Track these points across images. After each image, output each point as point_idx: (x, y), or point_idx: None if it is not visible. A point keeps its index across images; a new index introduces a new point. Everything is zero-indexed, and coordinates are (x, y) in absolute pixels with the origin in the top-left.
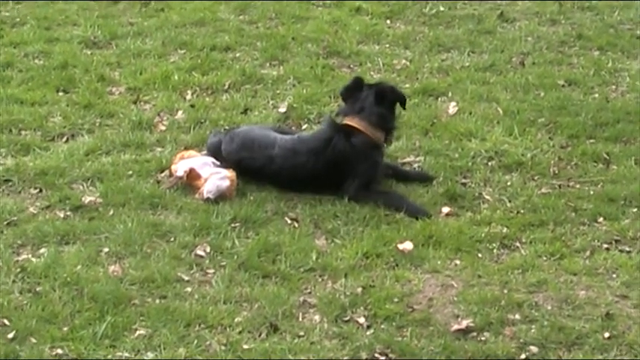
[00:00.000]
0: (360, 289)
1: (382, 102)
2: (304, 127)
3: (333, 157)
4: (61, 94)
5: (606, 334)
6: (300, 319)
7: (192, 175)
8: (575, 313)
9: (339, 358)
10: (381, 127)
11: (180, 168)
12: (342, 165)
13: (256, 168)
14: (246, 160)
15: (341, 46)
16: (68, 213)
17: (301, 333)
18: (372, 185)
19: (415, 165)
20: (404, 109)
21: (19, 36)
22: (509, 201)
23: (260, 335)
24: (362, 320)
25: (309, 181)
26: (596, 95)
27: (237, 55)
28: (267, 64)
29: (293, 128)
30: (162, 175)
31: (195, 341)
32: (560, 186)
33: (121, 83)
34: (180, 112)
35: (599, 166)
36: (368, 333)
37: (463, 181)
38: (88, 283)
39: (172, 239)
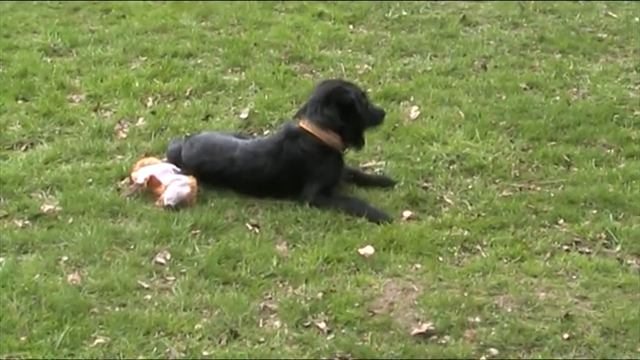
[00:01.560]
0: (320, 294)
1: (328, 103)
2: (266, 132)
3: (287, 161)
4: (20, 102)
5: (565, 335)
6: (261, 325)
7: (152, 182)
8: (535, 315)
9: None
10: (331, 129)
11: (140, 175)
12: (298, 168)
13: (217, 171)
14: (207, 163)
15: (303, 51)
16: (27, 222)
17: (262, 339)
18: (332, 190)
19: (377, 169)
20: (350, 114)
21: None
22: (471, 204)
23: (220, 342)
24: (322, 325)
25: (268, 185)
26: (558, 98)
27: (199, 61)
28: (229, 71)
29: (254, 134)
30: (123, 182)
31: (155, 349)
32: (521, 188)
33: (82, 91)
34: (141, 120)
35: (559, 168)
36: (328, 338)
37: (424, 184)
38: (47, 292)
39: (132, 247)
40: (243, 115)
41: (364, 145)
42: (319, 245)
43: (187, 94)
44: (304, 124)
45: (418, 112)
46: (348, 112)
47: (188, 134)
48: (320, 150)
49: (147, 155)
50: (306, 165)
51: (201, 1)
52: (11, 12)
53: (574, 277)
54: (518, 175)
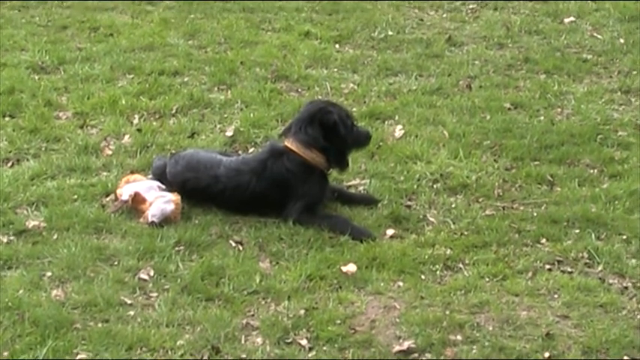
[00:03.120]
0: (303, 312)
1: (312, 122)
2: (251, 150)
3: (271, 179)
4: (7, 119)
5: (546, 354)
6: (243, 342)
7: (137, 199)
8: (517, 334)
9: None
10: (315, 149)
11: (125, 192)
12: (281, 186)
13: (201, 188)
14: (192, 180)
15: (289, 70)
16: (12, 237)
17: (243, 355)
18: (315, 208)
19: (360, 188)
20: (333, 134)
21: None
22: (454, 223)
23: (202, 358)
24: (304, 342)
25: (252, 202)
26: (542, 118)
27: (186, 79)
28: (215, 89)
29: (239, 152)
30: (108, 199)
31: None
32: (504, 208)
33: (68, 108)
34: (126, 137)
35: (543, 187)
36: (310, 355)
37: (408, 203)
38: (30, 308)
39: (116, 263)
40: (229, 133)
41: (348, 166)
42: (302, 263)
43: (173, 111)
44: (289, 143)
45: (402, 131)
46: (331, 132)
47: (173, 152)
48: (304, 169)
49: (132, 172)
50: (289, 183)
51: (188, 20)
52: (0, 30)
53: (556, 296)
54: (501, 194)
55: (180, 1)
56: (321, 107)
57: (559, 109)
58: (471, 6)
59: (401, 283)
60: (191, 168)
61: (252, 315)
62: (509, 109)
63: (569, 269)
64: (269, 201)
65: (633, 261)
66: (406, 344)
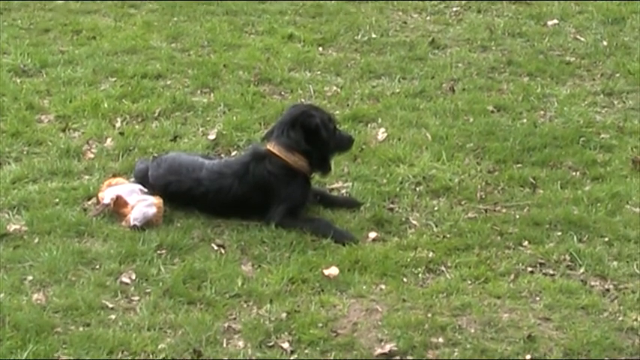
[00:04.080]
0: (284, 315)
1: (294, 126)
2: (233, 154)
3: (254, 182)
4: None
5: (528, 357)
6: (225, 345)
7: (119, 203)
8: (498, 336)
9: None
10: (298, 152)
11: (107, 195)
12: (264, 190)
13: (183, 191)
14: (174, 184)
15: (272, 73)
16: None
17: (225, 359)
18: (297, 211)
19: (343, 191)
20: (315, 138)
21: None
22: (436, 226)
23: None
24: (286, 345)
25: (234, 205)
26: (525, 120)
27: (168, 82)
28: (198, 92)
29: (221, 155)
30: (90, 202)
31: None
32: (486, 210)
33: (50, 111)
34: (109, 140)
35: (525, 190)
36: (292, 358)
37: (390, 206)
38: (11, 312)
39: (98, 267)
40: (212, 137)
41: (330, 170)
42: (284, 266)
43: (156, 114)
44: (271, 147)
45: (385, 134)
46: (313, 136)
47: (156, 155)
48: (286, 172)
49: (114, 175)
50: (272, 186)
51: (171, 23)
52: None
53: (537, 298)
54: (483, 196)
55: (164, 4)
56: (304, 111)
57: (542, 112)
58: (454, 9)
59: (383, 286)
60: (173, 171)
61: (234, 318)
62: (492, 111)
63: (551, 272)
64: (251, 204)
65: (615, 263)
66: (388, 347)
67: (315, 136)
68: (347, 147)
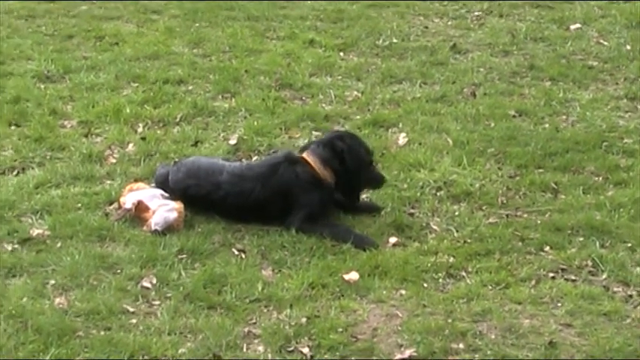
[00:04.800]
0: (304, 320)
1: (327, 145)
2: (254, 159)
3: (278, 185)
4: (12, 127)
5: None
6: (244, 350)
7: (140, 207)
8: (519, 342)
9: None
10: (329, 167)
11: (128, 200)
12: (286, 194)
13: (202, 195)
14: (193, 187)
15: (293, 78)
16: (16, 246)
17: None
18: (317, 218)
19: (364, 196)
20: (345, 162)
21: None
22: (457, 231)
23: None
24: (306, 350)
25: (254, 209)
26: (547, 125)
27: (190, 87)
28: (219, 97)
29: (243, 160)
30: (111, 207)
31: None
32: (507, 215)
33: (73, 117)
34: (130, 145)
35: (547, 195)
36: None
37: (411, 211)
38: (33, 316)
39: (119, 271)
40: (232, 142)
41: (357, 201)
42: (304, 271)
43: (177, 120)
44: (305, 155)
45: (406, 139)
46: (341, 159)
47: (176, 160)
48: (313, 180)
49: (136, 180)
50: (294, 191)
51: (193, 29)
52: (6, 39)
53: (559, 304)
54: (505, 202)
55: (186, 10)
56: (340, 135)
57: (564, 117)
58: (476, 13)
59: (403, 291)
60: (192, 175)
61: (254, 323)
62: (513, 116)
63: (573, 277)
64: (270, 210)
65: (638, 269)
66: (408, 353)
67: (343, 160)
68: (376, 184)
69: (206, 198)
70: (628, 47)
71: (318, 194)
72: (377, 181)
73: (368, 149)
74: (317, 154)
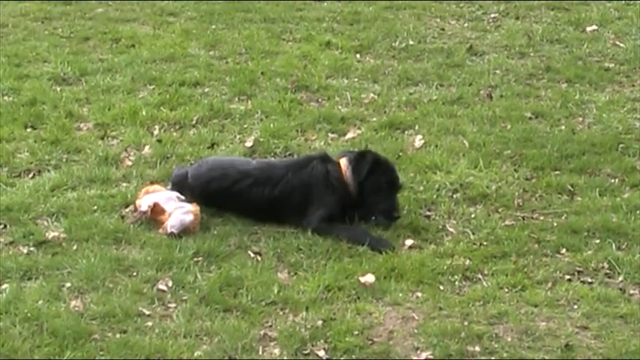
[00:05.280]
0: (320, 322)
1: (364, 157)
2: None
3: (307, 177)
4: (29, 130)
5: None
6: (260, 353)
7: (156, 210)
8: (535, 345)
9: None
10: (355, 174)
11: (144, 203)
12: (310, 189)
13: (226, 187)
14: (217, 179)
15: (309, 80)
16: (32, 248)
17: None
18: (334, 219)
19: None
20: (364, 178)
21: None
22: (473, 233)
23: None
24: (322, 353)
25: (277, 202)
26: (563, 127)
27: (206, 90)
28: (236, 99)
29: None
30: (127, 210)
31: None
32: (523, 218)
33: (89, 119)
34: (147, 147)
35: (563, 197)
36: None
37: (427, 213)
38: (49, 319)
39: (135, 274)
40: (249, 144)
41: (369, 220)
42: (320, 273)
43: (193, 122)
44: (340, 160)
45: (422, 141)
46: (366, 175)
47: (192, 162)
48: (339, 182)
49: (152, 183)
50: (318, 187)
51: (209, 31)
52: (23, 42)
53: (575, 306)
54: (521, 204)
55: (202, 12)
56: (376, 153)
57: (580, 119)
58: (492, 15)
59: (419, 294)
60: (216, 167)
61: (270, 326)
62: (530, 118)
63: (589, 280)
64: (293, 203)
65: None
66: (424, 355)
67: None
68: (386, 217)
69: (230, 189)
70: None
71: (340, 196)
72: (384, 212)
73: (395, 175)
74: (350, 160)
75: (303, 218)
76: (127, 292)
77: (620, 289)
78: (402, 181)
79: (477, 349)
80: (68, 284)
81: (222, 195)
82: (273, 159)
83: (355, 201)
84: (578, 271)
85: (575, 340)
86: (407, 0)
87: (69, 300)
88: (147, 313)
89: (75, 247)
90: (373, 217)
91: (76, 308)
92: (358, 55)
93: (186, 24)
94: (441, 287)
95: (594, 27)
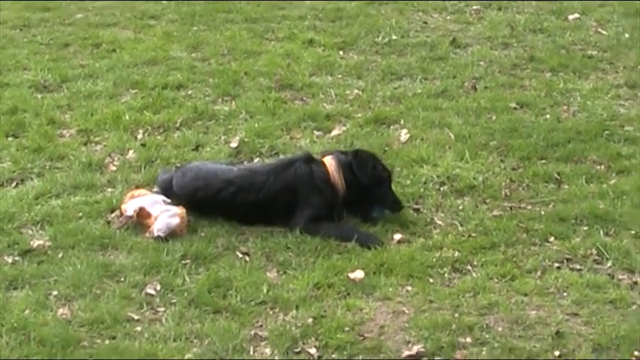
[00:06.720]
0: (311, 320)
1: (355, 157)
2: (256, 160)
3: (291, 179)
4: (10, 138)
5: (557, 353)
6: (251, 353)
7: (142, 214)
8: (526, 334)
9: None
10: (343, 174)
11: (130, 207)
12: (297, 190)
13: (212, 195)
14: (202, 189)
15: (293, 78)
16: (17, 258)
17: None
18: (321, 219)
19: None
20: (353, 175)
21: None
22: (461, 225)
23: None
24: (313, 351)
25: (263, 205)
26: (548, 116)
27: (189, 92)
28: (220, 100)
29: (245, 163)
30: (113, 215)
31: None
32: (511, 208)
33: (72, 125)
34: (131, 152)
35: (550, 186)
36: None
37: (415, 207)
38: (36, 327)
39: (122, 279)
40: (234, 144)
41: (371, 219)
42: (310, 271)
43: (177, 125)
44: (325, 159)
45: (408, 135)
46: (354, 171)
47: (178, 165)
48: (325, 182)
49: (137, 187)
50: (304, 188)
51: (191, 33)
52: (2, 50)
53: (565, 294)
54: (508, 194)
55: (183, 14)
56: (366, 150)
57: (565, 107)
58: (474, 7)
59: (409, 288)
60: (200, 177)
61: (261, 326)
62: (515, 108)
63: (578, 267)
64: (279, 206)
65: None
66: (415, 349)
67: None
68: (391, 207)
69: (215, 198)
70: (627, 35)
71: (326, 196)
72: (391, 204)
73: (385, 168)
74: (335, 158)
75: (290, 220)
76: (115, 297)
77: (609, 275)
78: (391, 169)
79: (469, 340)
80: (55, 292)
81: (209, 203)
82: (256, 163)
83: (344, 200)
84: (567, 259)
85: (566, 328)
86: None
87: (56, 308)
88: (136, 317)
89: (61, 255)
90: (375, 213)
91: (64, 316)
92: (341, 52)
93: (167, 26)
94: (431, 280)
95: (576, 15)
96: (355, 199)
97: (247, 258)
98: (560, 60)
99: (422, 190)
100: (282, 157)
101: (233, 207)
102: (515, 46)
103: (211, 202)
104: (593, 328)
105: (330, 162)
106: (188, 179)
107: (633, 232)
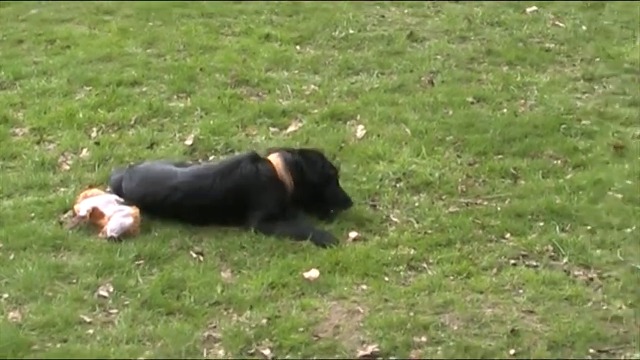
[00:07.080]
0: (265, 321)
1: (296, 151)
2: (211, 158)
3: (238, 179)
4: None
5: (512, 351)
6: (205, 355)
7: (95, 214)
8: (482, 332)
9: None
10: (291, 172)
11: (82, 207)
12: (245, 190)
13: (159, 201)
14: (150, 195)
15: (249, 74)
16: None
17: None
18: (275, 218)
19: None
20: (301, 175)
21: None
22: (417, 222)
23: None
24: (267, 352)
25: (213, 208)
26: (505, 110)
27: (144, 89)
28: (175, 97)
29: (199, 161)
30: (66, 215)
31: None
32: (467, 204)
33: (25, 124)
34: (84, 151)
35: (506, 181)
36: None
37: (371, 204)
38: None
39: (75, 281)
40: (189, 142)
41: (328, 216)
42: (264, 270)
43: (132, 122)
44: (270, 157)
45: (364, 131)
46: (301, 170)
47: (132, 163)
48: (272, 180)
49: (91, 187)
50: (254, 188)
51: (146, 28)
52: None
53: (521, 291)
54: (465, 190)
55: (138, 9)
56: (312, 148)
57: (522, 101)
58: (432, 0)
59: (364, 286)
60: (147, 182)
61: (214, 327)
62: (471, 103)
63: (534, 263)
64: (229, 207)
65: (598, 251)
66: (370, 349)
67: (302, 170)
68: (341, 205)
69: (164, 203)
70: (584, 28)
71: (277, 194)
72: (342, 202)
73: (332, 166)
74: (282, 156)
75: (243, 221)
76: (67, 300)
77: (565, 271)
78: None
79: (424, 339)
80: (5, 295)
81: (158, 208)
82: (203, 165)
83: (293, 198)
84: (523, 255)
85: (522, 325)
86: None
87: (7, 311)
88: (88, 320)
89: (12, 257)
90: (332, 210)
91: (15, 319)
92: (298, 47)
93: (122, 22)
94: (386, 278)
95: (534, 8)
96: (304, 198)
97: (201, 258)
98: (517, 53)
99: (378, 186)
100: (224, 157)
101: (183, 211)
102: (473, 39)
103: (160, 206)
104: (548, 325)
105: (276, 160)
106: (135, 184)
107: (589, 227)
